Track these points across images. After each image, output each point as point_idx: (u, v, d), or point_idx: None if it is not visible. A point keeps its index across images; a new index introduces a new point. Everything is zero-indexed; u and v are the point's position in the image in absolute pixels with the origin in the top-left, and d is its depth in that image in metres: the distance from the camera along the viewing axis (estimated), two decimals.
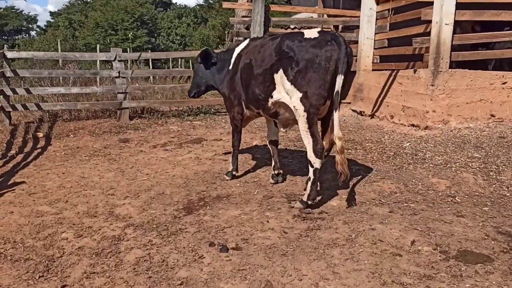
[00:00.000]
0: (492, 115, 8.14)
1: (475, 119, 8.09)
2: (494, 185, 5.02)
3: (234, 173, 5.46)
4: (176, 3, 75.87)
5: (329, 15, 11.77)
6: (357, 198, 4.69)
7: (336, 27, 12.40)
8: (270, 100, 4.45)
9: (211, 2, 64.49)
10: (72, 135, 8.91)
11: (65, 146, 8.03)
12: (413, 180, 5.24)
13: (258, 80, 4.48)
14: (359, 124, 9.21)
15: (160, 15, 67.42)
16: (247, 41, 5.13)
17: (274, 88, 4.35)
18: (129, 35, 33.19)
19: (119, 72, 9.88)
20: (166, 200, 4.83)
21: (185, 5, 76.86)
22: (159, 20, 64.96)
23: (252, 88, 4.60)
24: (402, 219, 4.11)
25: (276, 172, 5.26)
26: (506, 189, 4.92)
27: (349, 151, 6.77)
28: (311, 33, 4.24)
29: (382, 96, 9.60)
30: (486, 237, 3.73)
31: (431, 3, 8.36)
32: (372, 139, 7.61)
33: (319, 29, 4.47)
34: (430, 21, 8.17)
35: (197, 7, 71.91)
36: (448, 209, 4.37)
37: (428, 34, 8.38)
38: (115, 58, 9.85)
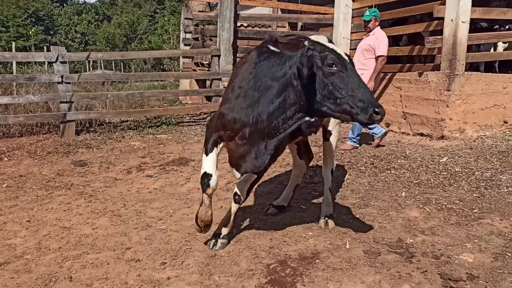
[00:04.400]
0: (505, 122, 7.54)
1: (489, 126, 7.43)
2: None
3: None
4: None
5: (301, 12, 10.62)
6: (483, 246, 3.53)
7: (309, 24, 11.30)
8: None
9: None
10: (6, 159, 6.71)
11: (2, 175, 5.92)
12: None
13: None
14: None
15: (57, 11, 61.72)
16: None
17: None
18: (30, 32, 29.24)
19: (62, 77, 7.75)
20: (231, 268, 3.25)
21: (85, 1, 71.36)
22: (56, 16, 59.39)
23: None
24: None
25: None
26: None
27: (388, 172, 5.61)
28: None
29: None
30: None
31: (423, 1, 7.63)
32: (395, 153, 6.56)
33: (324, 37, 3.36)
34: (440, 18, 7.35)
35: (98, 3, 67.10)
36: None
37: (435, 33, 7.59)
38: (57, 59, 7.72)
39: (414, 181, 5.19)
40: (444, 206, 4.38)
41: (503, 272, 3.12)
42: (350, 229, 3.84)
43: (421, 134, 7.62)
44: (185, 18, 10.78)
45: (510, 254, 3.41)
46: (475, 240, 3.64)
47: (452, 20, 7.08)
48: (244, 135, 3.11)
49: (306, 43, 2.92)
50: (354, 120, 2.86)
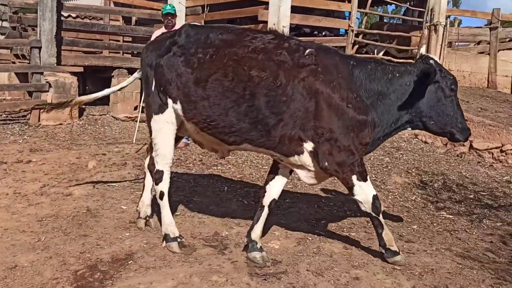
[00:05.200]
0: None
1: None
2: None
3: None
4: None
5: (135, 6, 10.28)
6: (289, 233, 3.85)
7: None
8: None
9: None
10: None
11: None
12: (322, 200, 4.71)
13: None
14: None
15: None
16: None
17: None
18: None
19: None
20: (32, 279, 2.97)
21: None
22: None
23: None
24: (367, 256, 3.49)
25: None
26: None
27: (215, 167, 5.78)
28: None
29: None
30: None
31: (262, 3, 8.08)
32: None
33: None
34: (264, 22, 7.84)
35: None
36: None
37: None
38: None
39: (238, 176, 5.44)
40: None
41: (302, 255, 3.44)
42: None
43: None
44: (0, 4, 9.62)
45: (310, 239, 3.78)
46: (283, 228, 3.96)
47: (274, 24, 7.59)
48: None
49: (432, 62, 3.34)
50: (451, 138, 3.46)
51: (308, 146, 3.19)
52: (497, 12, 10.75)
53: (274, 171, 3.55)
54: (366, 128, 3.20)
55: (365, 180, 3.21)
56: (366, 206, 3.24)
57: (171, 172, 3.70)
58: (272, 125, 3.16)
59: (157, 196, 3.60)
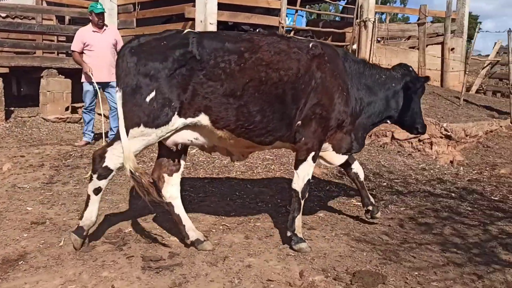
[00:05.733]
0: None
1: None
2: None
3: None
4: None
5: (64, 5, 10.02)
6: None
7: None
8: None
9: None
10: None
11: None
12: (236, 193, 4.78)
13: None
14: None
15: None
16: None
17: None
18: None
19: None
20: None
21: None
22: None
23: None
24: (265, 245, 3.59)
25: None
26: None
27: None
28: None
29: None
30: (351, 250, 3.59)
31: (188, 0, 8.08)
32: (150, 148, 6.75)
33: None
34: (192, 19, 7.84)
35: None
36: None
37: None
38: None
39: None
40: None
41: (218, 246, 3.51)
42: (70, 226, 3.79)
43: None
44: None
45: (214, 231, 3.85)
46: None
47: (201, 21, 7.63)
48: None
49: (411, 69, 4.02)
50: (417, 132, 4.10)
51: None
52: (424, 9, 11.20)
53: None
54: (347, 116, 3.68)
55: (314, 161, 3.64)
56: (300, 184, 3.57)
57: None
58: (293, 116, 3.49)
59: (91, 191, 3.34)
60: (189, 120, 3.32)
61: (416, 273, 3.20)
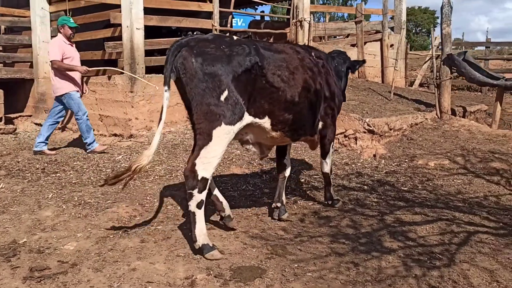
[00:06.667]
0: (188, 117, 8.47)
1: (174, 122, 8.24)
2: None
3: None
4: None
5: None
6: (93, 233, 3.90)
7: None
8: None
9: None
10: None
11: None
12: (148, 198, 4.80)
13: None
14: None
15: None
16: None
17: None
18: None
19: None
20: None
21: None
22: None
23: None
24: (159, 247, 3.63)
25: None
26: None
27: (54, 175, 5.71)
28: None
29: None
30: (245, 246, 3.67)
31: (117, 6, 8.02)
32: (77, 156, 6.71)
33: None
34: (119, 25, 7.81)
35: None
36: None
37: (119, 38, 8.00)
38: None
39: (73, 181, 5.39)
40: (83, 202, 4.67)
41: (94, 254, 3.51)
42: None
43: (115, 135, 7.98)
44: None
45: (111, 236, 3.85)
46: (89, 229, 4.00)
47: (127, 27, 7.59)
48: None
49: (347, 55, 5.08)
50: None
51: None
52: (360, 7, 11.48)
53: None
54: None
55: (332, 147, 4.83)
56: (329, 168, 4.72)
57: None
58: (317, 114, 4.19)
59: (195, 207, 3.43)
60: (252, 119, 3.63)
61: (296, 265, 3.31)
